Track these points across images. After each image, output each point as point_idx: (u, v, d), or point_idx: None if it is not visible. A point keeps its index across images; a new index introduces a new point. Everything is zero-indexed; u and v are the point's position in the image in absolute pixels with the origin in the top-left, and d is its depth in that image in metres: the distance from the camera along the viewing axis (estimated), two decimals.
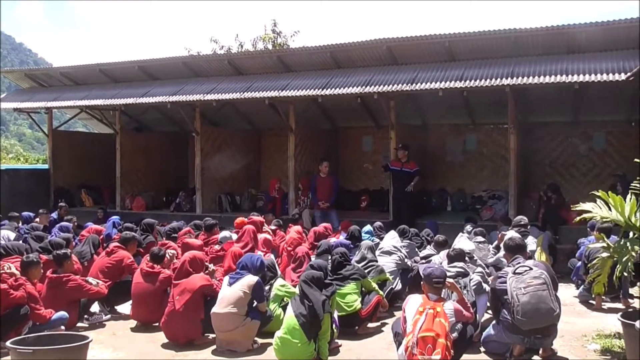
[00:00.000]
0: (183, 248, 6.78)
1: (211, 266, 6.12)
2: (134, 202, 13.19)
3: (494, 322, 5.10)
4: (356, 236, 7.59)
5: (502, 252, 6.80)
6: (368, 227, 8.00)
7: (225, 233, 7.86)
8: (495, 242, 7.44)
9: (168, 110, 12.86)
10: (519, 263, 4.94)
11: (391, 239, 7.12)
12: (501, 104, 10.26)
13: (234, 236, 7.66)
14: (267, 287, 5.53)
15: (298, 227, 8.25)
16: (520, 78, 9.19)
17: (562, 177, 12.31)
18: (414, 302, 4.39)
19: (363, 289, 5.82)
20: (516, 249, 5.20)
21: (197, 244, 6.90)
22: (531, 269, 4.79)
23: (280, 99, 10.89)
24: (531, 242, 7.23)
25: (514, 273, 4.79)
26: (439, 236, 7.44)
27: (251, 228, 7.32)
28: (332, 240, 7.62)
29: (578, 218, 5.16)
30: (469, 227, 8.43)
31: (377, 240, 7.50)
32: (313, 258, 6.49)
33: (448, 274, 5.39)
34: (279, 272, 6.28)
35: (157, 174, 14.43)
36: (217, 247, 7.41)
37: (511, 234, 6.09)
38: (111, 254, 6.49)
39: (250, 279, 5.24)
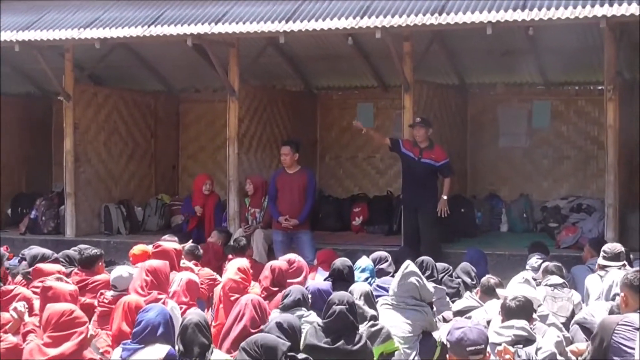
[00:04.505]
0: (42, 293, 6.74)
1: (91, 329, 6.09)
2: None
3: None
4: (344, 276, 7.60)
5: (595, 304, 6.85)
6: (364, 262, 8.04)
7: (120, 270, 7.83)
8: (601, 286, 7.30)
9: (17, 56, 12.69)
10: None
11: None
12: (592, 50, 10.36)
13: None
14: None
15: (242, 262, 8.22)
16: (625, 6, 9.28)
17: None
18: None
19: None
20: None
21: (68, 290, 6.83)
22: None
23: (213, 37, 10.90)
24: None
25: None
26: (488, 277, 7.45)
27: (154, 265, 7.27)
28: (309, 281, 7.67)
29: None
30: (535, 261, 8.50)
31: (380, 283, 7.54)
32: (277, 313, 6.48)
33: (501, 338, 5.47)
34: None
35: None
36: (109, 294, 7.37)
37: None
38: None
39: (157, 350, 5.28)
